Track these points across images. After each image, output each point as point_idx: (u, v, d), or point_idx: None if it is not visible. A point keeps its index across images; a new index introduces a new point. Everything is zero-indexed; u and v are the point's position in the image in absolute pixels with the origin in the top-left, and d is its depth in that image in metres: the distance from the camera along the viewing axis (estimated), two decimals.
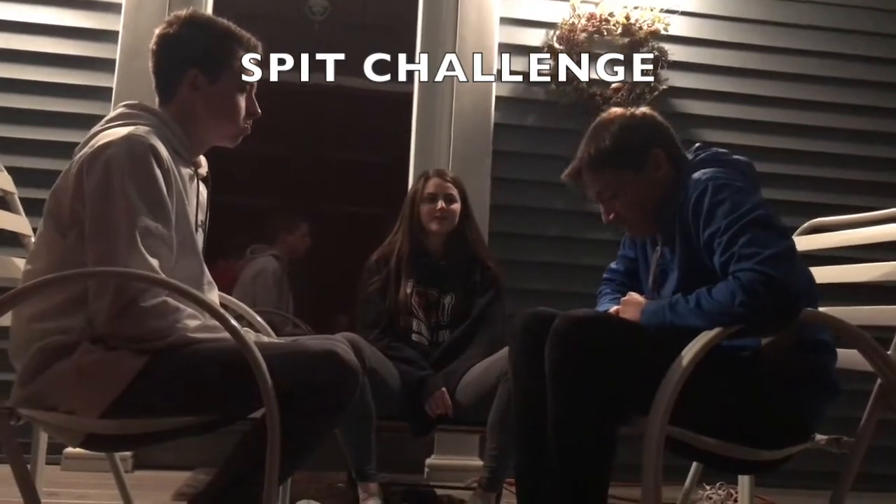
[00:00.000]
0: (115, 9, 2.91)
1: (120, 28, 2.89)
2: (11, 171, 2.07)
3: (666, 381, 1.48)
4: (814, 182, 3.20)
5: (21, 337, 1.51)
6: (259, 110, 1.74)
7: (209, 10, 3.07)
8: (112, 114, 1.65)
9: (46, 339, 1.47)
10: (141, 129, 1.55)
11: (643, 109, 1.85)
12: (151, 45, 1.69)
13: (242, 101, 1.71)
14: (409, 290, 2.45)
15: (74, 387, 1.45)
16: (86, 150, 1.53)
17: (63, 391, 1.45)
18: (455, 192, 2.52)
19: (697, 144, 1.82)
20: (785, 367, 1.61)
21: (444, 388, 2.26)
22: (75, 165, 1.52)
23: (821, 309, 1.69)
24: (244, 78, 1.70)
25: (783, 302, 1.48)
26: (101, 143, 1.51)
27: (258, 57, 1.75)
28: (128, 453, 2.70)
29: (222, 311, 1.44)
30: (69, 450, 2.64)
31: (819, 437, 1.70)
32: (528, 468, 1.74)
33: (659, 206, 1.76)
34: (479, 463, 2.66)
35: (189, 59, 1.66)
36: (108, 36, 2.91)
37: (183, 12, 1.71)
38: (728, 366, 1.60)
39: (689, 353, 1.49)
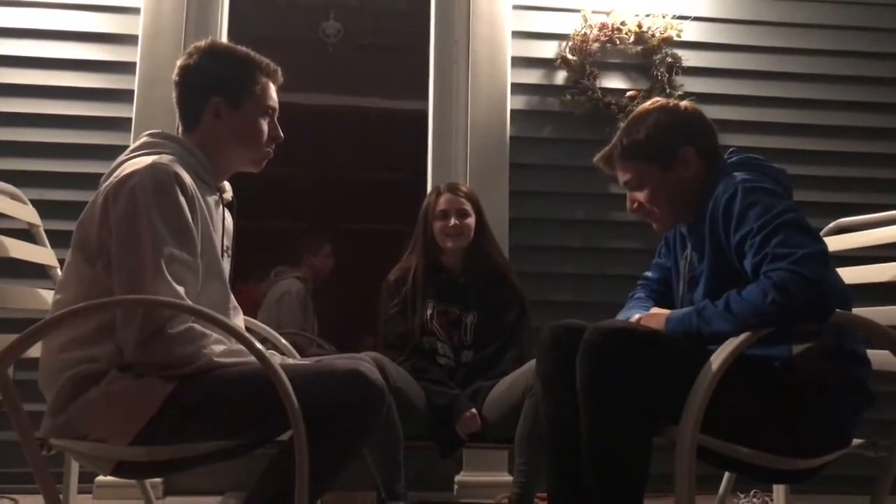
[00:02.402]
0: (132, 41, 2.95)
1: (137, 59, 2.93)
2: (36, 203, 2.11)
3: (695, 388, 1.47)
4: (836, 182, 3.17)
5: (51, 367, 1.53)
6: (282, 134, 1.76)
7: (224, 36, 3.11)
8: (136, 143, 1.67)
9: (76, 368, 1.48)
10: (165, 158, 1.57)
11: (685, 103, 1.85)
12: (173, 76, 1.71)
13: (265, 126, 1.73)
14: (429, 312, 2.43)
15: (104, 415, 1.46)
16: (111, 179, 1.55)
17: (93, 419, 1.47)
18: (468, 206, 2.49)
19: (731, 149, 1.81)
20: (818, 376, 1.59)
21: (474, 409, 2.23)
22: (101, 195, 1.54)
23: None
24: (266, 103, 1.72)
25: (816, 301, 1.46)
26: (125, 172, 1.53)
27: (279, 81, 1.77)
28: (158, 480, 2.71)
29: (248, 335, 1.45)
30: (100, 478, 2.66)
31: (854, 441, 1.67)
32: (561, 482, 1.72)
33: (686, 204, 1.75)
34: (509, 479, 2.64)
35: (211, 87, 1.68)
36: (126, 67, 2.94)
37: (202, 42, 1.73)
38: (759, 375, 1.58)
39: (717, 359, 1.47)
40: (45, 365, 1.56)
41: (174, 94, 1.72)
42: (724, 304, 1.54)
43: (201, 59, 1.70)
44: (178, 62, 1.72)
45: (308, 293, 4.18)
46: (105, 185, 1.56)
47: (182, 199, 1.52)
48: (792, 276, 1.45)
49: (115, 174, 1.57)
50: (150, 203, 1.48)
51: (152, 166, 1.53)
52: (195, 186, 1.58)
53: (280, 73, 1.77)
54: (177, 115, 1.72)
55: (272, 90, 1.75)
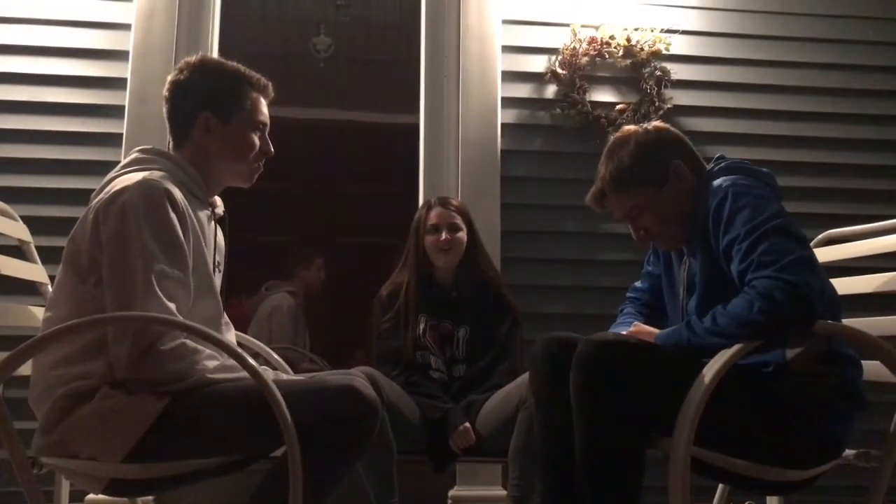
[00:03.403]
0: (123, 56, 2.95)
1: (128, 75, 2.93)
2: (26, 220, 2.10)
3: (688, 400, 1.47)
4: (825, 193, 3.18)
5: (42, 384, 1.52)
6: (272, 149, 1.76)
7: (215, 52, 3.11)
8: (127, 159, 1.67)
9: (67, 385, 1.47)
10: (156, 174, 1.56)
11: (656, 123, 1.86)
12: (164, 91, 1.72)
13: (256, 141, 1.72)
14: (422, 327, 2.43)
15: (95, 432, 1.45)
16: (102, 195, 1.55)
17: (85, 437, 1.46)
18: (460, 220, 2.49)
19: (718, 156, 1.82)
20: (811, 382, 1.59)
21: (467, 423, 2.23)
22: (91, 212, 1.54)
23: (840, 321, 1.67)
24: (257, 118, 1.72)
25: (801, 307, 1.47)
26: (116, 188, 1.53)
27: (269, 96, 1.77)
28: (150, 497, 2.69)
29: (240, 351, 1.45)
30: (91, 496, 2.63)
31: (847, 451, 1.68)
32: (555, 496, 1.72)
33: (686, 217, 1.75)
34: (503, 493, 2.63)
35: (200, 103, 1.68)
36: (116, 83, 2.94)
37: (193, 58, 1.73)
38: (752, 383, 1.58)
39: (710, 371, 1.47)
40: (36, 383, 1.55)
41: (164, 109, 1.72)
42: (712, 319, 1.54)
43: (191, 75, 1.70)
44: (169, 77, 1.73)
45: (299, 307, 4.17)
46: (95, 201, 1.56)
47: (173, 216, 1.52)
48: (776, 283, 1.46)
49: (105, 190, 1.56)
50: (141, 220, 1.48)
51: (142, 183, 1.53)
52: (186, 202, 1.58)
53: (271, 87, 1.77)
54: (167, 130, 1.73)
55: (263, 105, 1.75)
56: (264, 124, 1.75)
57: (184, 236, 1.53)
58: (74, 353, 1.49)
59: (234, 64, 1.75)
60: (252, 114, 1.72)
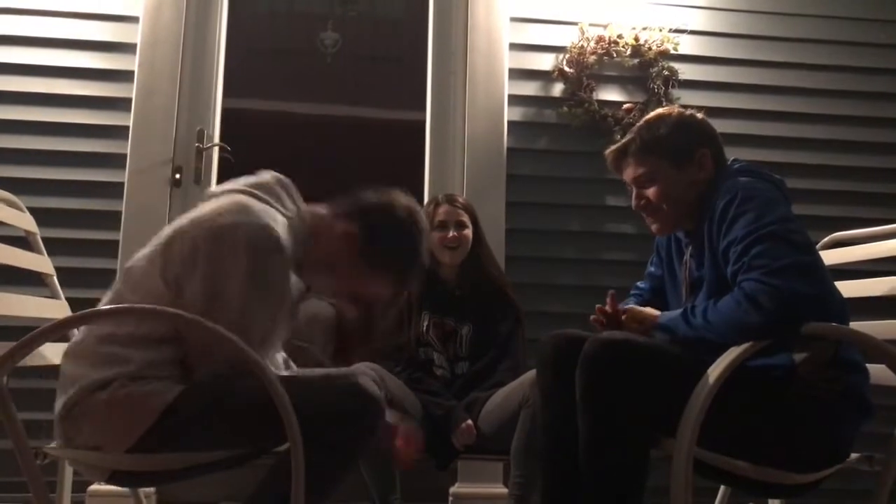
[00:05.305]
0: (131, 49, 2.95)
1: (135, 68, 2.93)
2: (33, 211, 2.11)
3: (692, 402, 1.47)
4: (832, 196, 3.17)
5: (85, 353, 1.51)
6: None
7: (222, 43, 3.10)
8: (263, 181, 1.66)
9: (106, 368, 1.47)
10: (280, 220, 1.56)
11: (700, 114, 1.88)
12: None
13: (364, 296, 1.72)
14: (426, 323, 2.44)
15: (102, 421, 1.45)
16: (213, 216, 1.52)
17: (91, 425, 1.46)
18: (466, 217, 2.50)
19: (734, 158, 1.83)
20: (818, 387, 1.59)
21: (469, 420, 2.23)
22: (199, 231, 1.51)
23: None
24: (391, 295, 1.72)
25: (784, 312, 1.47)
26: (228, 221, 1.50)
27: (418, 285, 1.77)
28: (151, 489, 2.69)
29: (244, 345, 1.45)
30: (93, 487, 2.64)
31: (851, 455, 1.67)
32: (558, 493, 1.72)
33: (689, 208, 1.76)
34: (504, 490, 2.63)
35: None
36: (123, 76, 2.94)
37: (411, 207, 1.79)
38: (759, 386, 1.58)
39: (713, 373, 1.47)
40: (77, 351, 1.53)
41: None
42: (703, 313, 1.56)
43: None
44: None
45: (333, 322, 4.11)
46: (205, 221, 1.51)
47: (282, 267, 1.53)
48: (762, 286, 1.47)
49: (218, 212, 1.52)
50: (247, 265, 1.47)
51: (260, 227, 1.50)
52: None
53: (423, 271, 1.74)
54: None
55: (406, 291, 1.78)
56: (387, 304, 1.80)
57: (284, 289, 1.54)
58: (125, 335, 1.49)
59: (423, 225, 1.73)
60: (390, 290, 1.70)
